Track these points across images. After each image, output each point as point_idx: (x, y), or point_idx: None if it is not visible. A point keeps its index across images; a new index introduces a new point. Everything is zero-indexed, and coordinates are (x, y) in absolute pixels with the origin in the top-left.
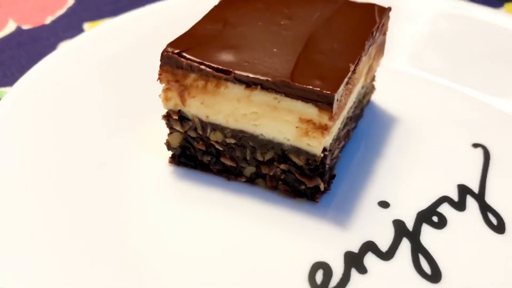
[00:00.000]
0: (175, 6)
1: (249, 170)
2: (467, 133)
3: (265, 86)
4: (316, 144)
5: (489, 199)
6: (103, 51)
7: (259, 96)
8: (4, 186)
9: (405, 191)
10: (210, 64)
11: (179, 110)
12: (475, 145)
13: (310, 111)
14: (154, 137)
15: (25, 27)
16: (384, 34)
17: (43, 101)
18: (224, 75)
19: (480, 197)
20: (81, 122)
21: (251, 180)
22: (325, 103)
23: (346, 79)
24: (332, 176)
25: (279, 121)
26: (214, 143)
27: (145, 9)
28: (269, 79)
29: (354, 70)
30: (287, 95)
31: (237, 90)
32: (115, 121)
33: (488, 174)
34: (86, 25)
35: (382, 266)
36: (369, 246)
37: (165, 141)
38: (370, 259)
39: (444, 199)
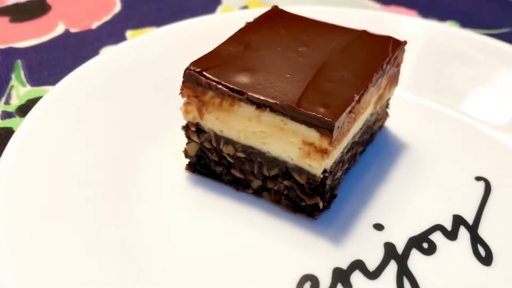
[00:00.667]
0: (211, 23)
1: (256, 183)
2: (472, 165)
3: (273, 109)
4: (316, 166)
5: (482, 231)
6: (139, 61)
7: (268, 117)
8: (35, 179)
9: (401, 216)
10: (227, 84)
11: (197, 123)
12: (478, 178)
13: (312, 135)
14: (174, 145)
15: (73, 30)
16: (398, 66)
17: (79, 102)
18: (238, 95)
19: (473, 228)
20: (111, 125)
21: (257, 193)
22: (326, 129)
23: (349, 108)
24: (334, 196)
25: (284, 141)
26: (226, 156)
27: (183, 23)
28: (278, 102)
29: (359, 100)
30: (293, 118)
31: (248, 110)
32: (142, 127)
33: (486, 208)
34: (129, 33)
35: (367, 285)
36: (358, 265)
37: (183, 149)
38: (356, 277)
39: (437, 227)
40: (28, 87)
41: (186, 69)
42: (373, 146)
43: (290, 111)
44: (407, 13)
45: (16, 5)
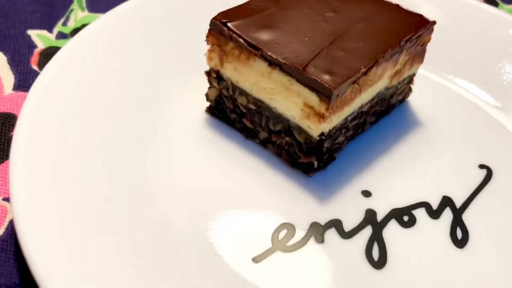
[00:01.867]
0: None
1: (263, 134)
2: (480, 153)
3: (282, 68)
4: (314, 128)
5: (466, 216)
6: (164, 13)
7: (277, 75)
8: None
9: (391, 188)
10: (246, 38)
11: (218, 70)
12: (482, 166)
13: (313, 99)
14: (200, 87)
15: None
16: (423, 44)
17: (109, 46)
18: (254, 50)
19: (458, 211)
20: (143, 66)
21: (263, 143)
22: (325, 95)
23: (353, 79)
24: (332, 158)
25: (289, 100)
26: (240, 105)
27: None
28: (287, 63)
29: (366, 72)
30: (298, 80)
31: (261, 65)
32: (172, 69)
33: (478, 195)
34: None
35: (338, 243)
36: (335, 223)
37: (205, 93)
38: (330, 234)
39: (423, 204)
40: (86, 12)
41: (213, 18)
42: (388, 118)
43: (296, 73)
44: None
45: None
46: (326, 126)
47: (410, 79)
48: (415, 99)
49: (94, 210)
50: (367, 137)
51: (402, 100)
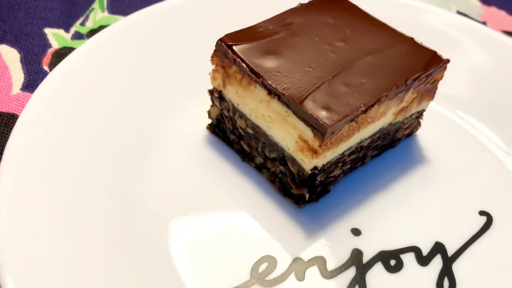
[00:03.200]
0: None
1: (258, 159)
2: (483, 198)
3: (281, 99)
4: (306, 162)
5: (457, 266)
6: (187, 20)
7: (275, 104)
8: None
9: (383, 228)
10: (248, 64)
11: (220, 91)
12: (482, 213)
13: (307, 133)
14: (202, 105)
15: None
16: (434, 82)
17: (113, 55)
18: (255, 77)
19: (449, 260)
20: (148, 78)
21: (258, 168)
22: (319, 131)
23: (350, 117)
24: (326, 191)
25: (285, 131)
26: (239, 127)
27: None
28: (285, 94)
29: (366, 111)
30: (295, 113)
31: (261, 93)
32: (178, 83)
33: (473, 245)
34: None
35: (319, 282)
36: (318, 261)
37: (207, 110)
38: (312, 271)
39: (413, 249)
40: (106, 13)
41: (219, 39)
42: (392, 152)
43: (293, 105)
44: (506, 18)
45: None
46: (320, 161)
47: (419, 114)
48: (424, 133)
49: (84, 217)
50: (367, 170)
51: (410, 134)
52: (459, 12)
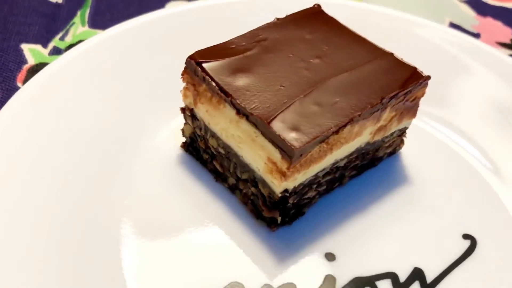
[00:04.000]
0: (247, 5)
1: (231, 180)
2: (466, 222)
3: (249, 118)
4: (276, 184)
5: None
6: (164, 36)
7: (244, 125)
8: (44, 150)
9: (359, 253)
10: (217, 82)
11: (192, 109)
12: (465, 236)
13: (276, 155)
14: (177, 123)
15: None
16: (414, 99)
17: (86, 71)
18: (224, 96)
19: (427, 287)
20: (123, 94)
21: (231, 189)
22: (286, 154)
23: (320, 138)
24: (301, 213)
25: (254, 152)
26: (211, 147)
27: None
28: (253, 114)
29: (337, 131)
30: (263, 133)
31: (230, 112)
32: (154, 100)
33: (454, 271)
34: None
35: None
36: None
37: (181, 128)
38: None
39: (390, 275)
40: (86, 27)
41: (189, 56)
42: (373, 171)
43: (261, 126)
44: (501, 29)
45: None
46: (290, 184)
47: (402, 132)
48: (408, 152)
49: (46, 236)
50: (345, 191)
51: (393, 153)
52: (452, 24)
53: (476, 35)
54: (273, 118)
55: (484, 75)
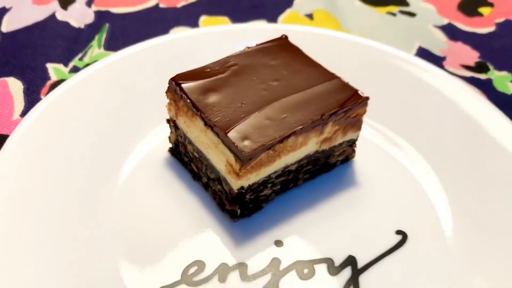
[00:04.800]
0: (228, 35)
1: (204, 179)
2: (400, 219)
3: (213, 129)
4: (233, 182)
5: (363, 277)
6: (148, 64)
7: (210, 134)
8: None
9: (303, 241)
10: (191, 99)
11: (174, 120)
12: (398, 232)
13: (232, 158)
14: (165, 131)
15: (162, 5)
16: (356, 116)
17: (90, 93)
18: (196, 110)
19: (357, 272)
20: (115, 116)
21: (204, 186)
22: (239, 158)
23: (267, 146)
24: (259, 208)
25: (217, 156)
26: (189, 151)
27: (204, 30)
28: (216, 125)
29: (282, 141)
30: (223, 141)
31: (200, 124)
32: (144, 114)
33: (384, 259)
34: (203, 18)
35: (239, 284)
36: (241, 266)
37: (169, 135)
38: (234, 275)
39: (328, 260)
40: (102, 50)
41: (171, 78)
42: (327, 176)
43: (221, 135)
44: (468, 53)
45: None
46: (245, 182)
47: (350, 143)
48: (360, 160)
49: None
50: (300, 191)
51: (346, 160)
52: (421, 48)
53: (442, 58)
54: (231, 129)
55: (429, 94)
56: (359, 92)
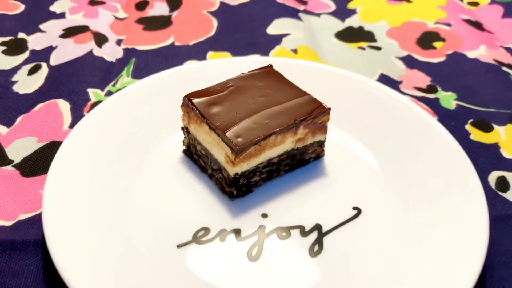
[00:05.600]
0: (229, 65)
1: (209, 171)
2: (357, 199)
3: (215, 131)
4: (230, 169)
5: (326, 239)
6: (168, 87)
7: (213, 135)
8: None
9: (283, 214)
10: (200, 111)
11: (187, 127)
12: (355, 208)
13: (229, 151)
14: (180, 137)
15: (177, 43)
16: (322, 122)
17: (121, 110)
18: (203, 119)
19: (321, 235)
20: (142, 126)
21: (210, 176)
22: (234, 150)
23: (254, 142)
24: (250, 191)
25: (219, 151)
26: (198, 150)
27: (210, 62)
28: (217, 128)
29: (265, 139)
30: (222, 139)
31: (206, 128)
32: (165, 124)
33: (342, 227)
34: (209, 53)
35: (235, 242)
36: (236, 231)
37: (183, 139)
38: (231, 237)
39: (299, 226)
40: (130, 78)
41: (185, 96)
42: (303, 169)
43: (221, 135)
44: (422, 78)
45: (151, 18)
46: (239, 169)
47: (320, 144)
48: (329, 157)
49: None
50: (282, 179)
51: (318, 157)
52: (382, 74)
53: (399, 82)
54: (228, 130)
55: (381, 107)
56: (323, 104)
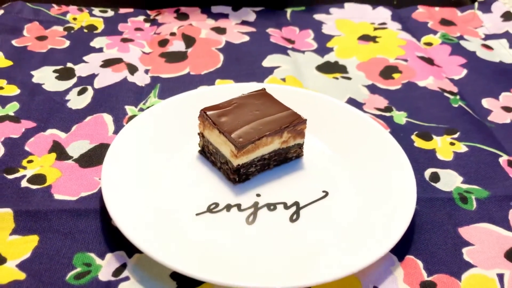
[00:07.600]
0: (232, 89)
1: (218, 164)
2: (325, 184)
3: (224, 134)
4: (233, 161)
5: (302, 211)
6: (188, 103)
7: (222, 137)
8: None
9: (271, 193)
10: (212, 120)
11: (202, 132)
12: (324, 191)
13: (233, 148)
14: (197, 140)
15: (192, 73)
16: (300, 129)
17: (152, 121)
18: (215, 125)
19: (299, 208)
20: (168, 133)
21: (219, 169)
22: (236, 147)
23: (251, 141)
24: (247, 178)
25: (226, 148)
26: (210, 149)
27: (220, 87)
28: (225, 132)
29: (259, 139)
30: (228, 139)
31: (217, 132)
32: (186, 131)
33: (314, 203)
34: (217, 80)
35: (236, 214)
36: (238, 205)
37: (198, 142)
38: (234, 210)
39: (283, 203)
40: (156, 98)
41: (201, 109)
42: (287, 165)
43: (228, 137)
44: (381, 101)
45: (171, 53)
46: (240, 161)
47: (299, 146)
48: (306, 157)
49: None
50: (271, 171)
51: (298, 156)
52: (350, 98)
53: (363, 104)
54: (232, 133)
55: (347, 121)
56: (301, 116)
